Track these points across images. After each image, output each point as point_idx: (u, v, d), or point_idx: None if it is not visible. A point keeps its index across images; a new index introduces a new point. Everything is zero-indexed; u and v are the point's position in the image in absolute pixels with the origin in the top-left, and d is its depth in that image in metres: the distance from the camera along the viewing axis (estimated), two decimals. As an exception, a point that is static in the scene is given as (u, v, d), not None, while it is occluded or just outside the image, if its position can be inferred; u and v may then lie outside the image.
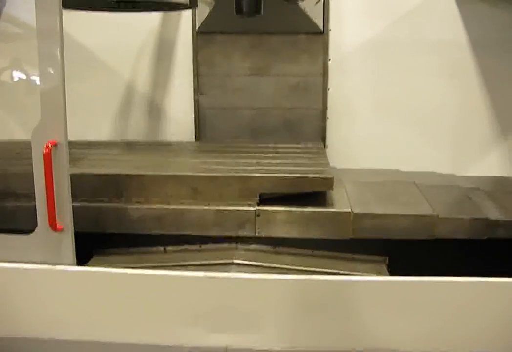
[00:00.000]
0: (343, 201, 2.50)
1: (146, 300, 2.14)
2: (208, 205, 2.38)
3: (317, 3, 2.93)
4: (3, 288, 2.17)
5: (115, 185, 2.42)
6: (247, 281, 2.14)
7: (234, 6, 2.82)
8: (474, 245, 2.39)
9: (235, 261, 2.35)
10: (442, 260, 2.40)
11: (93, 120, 3.58)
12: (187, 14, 3.45)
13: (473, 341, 2.10)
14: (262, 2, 2.80)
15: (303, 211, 2.36)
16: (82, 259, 2.26)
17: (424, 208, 2.46)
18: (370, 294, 2.11)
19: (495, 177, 3.29)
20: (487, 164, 3.54)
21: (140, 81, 3.58)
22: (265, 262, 2.35)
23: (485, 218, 2.38)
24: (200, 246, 2.45)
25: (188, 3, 2.65)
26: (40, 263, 2.14)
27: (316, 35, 3.41)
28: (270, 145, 3.17)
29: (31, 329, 2.17)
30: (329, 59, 3.46)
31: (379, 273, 2.34)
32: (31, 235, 2.13)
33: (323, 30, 3.40)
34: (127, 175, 2.45)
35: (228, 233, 2.40)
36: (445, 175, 3.20)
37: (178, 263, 2.34)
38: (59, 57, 1.96)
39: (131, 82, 3.58)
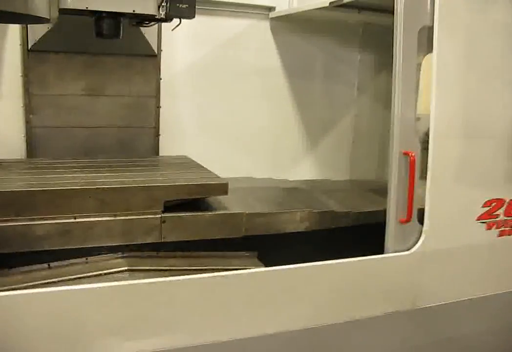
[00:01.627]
0: (231, 204, 2.82)
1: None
2: (115, 216, 2.47)
3: (173, 29, 3.06)
4: None
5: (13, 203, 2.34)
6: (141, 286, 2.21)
7: (94, 28, 2.85)
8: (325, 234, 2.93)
9: (121, 269, 2.49)
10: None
11: None
12: (14, 31, 3.35)
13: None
14: (121, 25, 2.88)
15: (204, 215, 2.62)
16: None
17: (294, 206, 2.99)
18: (245, 285, 2.41)
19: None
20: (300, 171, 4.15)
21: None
22: (151, 266, 2.55)
23: (332, 210, 2.98)
24: (86, 259, 2.51)
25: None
26: None
27: (151, 57, 3.55)
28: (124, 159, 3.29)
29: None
30: (161, 79, 3.66)
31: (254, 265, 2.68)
32: None
33: (157, 52, 3.58)
34: (28, 191, 2.38)
35: (136, 241, 2.53)
36: (280, 180, 3.81)
37: (64, 278, 2.38)
38: None
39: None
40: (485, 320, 2.89)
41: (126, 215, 2.49)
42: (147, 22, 3.04)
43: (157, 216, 2.53)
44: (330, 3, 3.01)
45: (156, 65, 3.60)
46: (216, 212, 2.68)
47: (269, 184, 3.73)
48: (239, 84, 3.87)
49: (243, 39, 3.82)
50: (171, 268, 2.57)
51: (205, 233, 2.63)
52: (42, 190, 2.41)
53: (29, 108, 3.42)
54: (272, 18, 3.82)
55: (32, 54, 3.34)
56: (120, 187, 2.54)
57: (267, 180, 3.85)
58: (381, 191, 3.48)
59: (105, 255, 2.55)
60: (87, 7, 2.63)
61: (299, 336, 2.42)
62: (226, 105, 3.88)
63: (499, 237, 2.77)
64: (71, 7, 2.60)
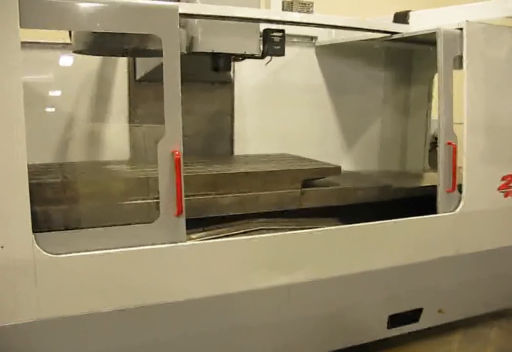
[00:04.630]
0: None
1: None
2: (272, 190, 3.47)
3: (266, 64, 3.99)
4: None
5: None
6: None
7: (211, 64, 3.72)
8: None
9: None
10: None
11: None
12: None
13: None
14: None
15: (327, 189, 3.72)
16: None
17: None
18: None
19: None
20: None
21: None
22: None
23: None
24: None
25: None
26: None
27: (227, 83, 4.40)
28: None
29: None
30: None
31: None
32: None
33: (231, 79, 4.47)
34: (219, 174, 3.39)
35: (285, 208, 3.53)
36: None
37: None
38: None
39: None
40: (504, 265, 4.00)
41: (279, 189, 3.51)
42: (241, 58, 3.84)
43: (298, 190, 3.56)
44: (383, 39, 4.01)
45: (231, 89, 4.48)
46: (337, 187, 3.75)
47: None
48: (292, 99, 4.85)
49: (294, 63, 4.82)
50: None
51: (329, 201, 3.68)
52: (229, 173, 3.45)
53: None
54: (317, 46, 4.86)
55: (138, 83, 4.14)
56: (276, 170, 3.58)
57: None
58: (413, 175, 4.60)
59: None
60: (213, 50, 3.51)
61: (387, 273, 3.51)
62: (281, 116, 4.76)
63: (514, 203, 3.86)
64: (201, 50, 3.48)
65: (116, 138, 4.23)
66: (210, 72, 3.84)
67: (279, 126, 4.79)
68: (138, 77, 4.15)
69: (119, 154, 4.17)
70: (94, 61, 4.01)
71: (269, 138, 4.77)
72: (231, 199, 3.36)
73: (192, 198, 3.18)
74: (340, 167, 3.78)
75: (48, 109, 4.08)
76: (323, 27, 4.22)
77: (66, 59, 3.94)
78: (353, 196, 3.78)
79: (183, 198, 2.84)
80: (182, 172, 2.83)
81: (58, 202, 2.90)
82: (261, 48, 3.75)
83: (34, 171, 2.98)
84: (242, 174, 3.50)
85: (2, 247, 2.50)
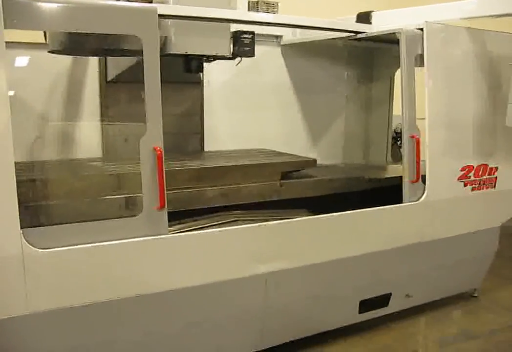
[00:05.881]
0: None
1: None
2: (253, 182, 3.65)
3: (236, 64, 4.08)
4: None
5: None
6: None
7: (184, 66, 3.82)
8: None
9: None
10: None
11: None
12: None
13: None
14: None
15: (304, 181, 3.96)
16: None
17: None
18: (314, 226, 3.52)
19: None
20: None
21: None
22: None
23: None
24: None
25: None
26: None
27: (197, 84, 4.51)
28: None
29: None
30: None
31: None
32: None
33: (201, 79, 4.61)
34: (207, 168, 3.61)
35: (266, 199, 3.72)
36: None
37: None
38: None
39: None
40: (465, 251, 4.26)
41: (260, 182, 3.68)
42: (212, 59, 3.90)
43: (277, 182, 3.74)
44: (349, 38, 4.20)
45: (201, 89, 4.58)
46: (313, 179, 3.98)
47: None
48: (259, 97, 4.99)
49: (261, 62, 4.95)
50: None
51: (305, 192, 3.88)
52: (214, 167, 3.65)
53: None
54: (282, 45, 5.01)
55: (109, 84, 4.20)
56: (256, 164, 3.78)
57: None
58: (378, 168, 4.83)
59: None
60: (186, 52, 3.58)
61: (357, 260, 3.72)
62: (248, 115, 4.89)
63: (472, 191, 4.11)
64: (175, 52, 3.55)
65: (88, 137, 4.30)
66: (181, 72, 3.92)
67: (248, 123, 4.92)
68: (109, 78, 4.22)
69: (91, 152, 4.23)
70: (66, 61, 4.07)
71: (238, 135, 4.89)
72: (215, 191, 3.52)
73: (179, 191, 3.34)
74: (315, 160, 4.01)
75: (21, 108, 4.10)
76: (291, 27, 4.39)
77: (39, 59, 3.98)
78: (329, 186, 4.01)
79: (165, 192, 2.95)
80: (164, 167, 2.94)
81: (43, 198, 2.98)
82: (232, 49, 3.87)
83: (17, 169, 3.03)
84: (227, 168, 3.69)
85: (-9, 242, 2.57)
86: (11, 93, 4.01)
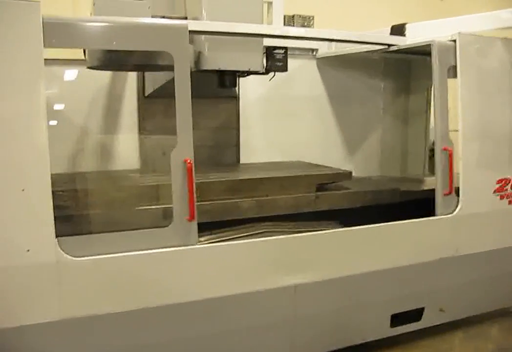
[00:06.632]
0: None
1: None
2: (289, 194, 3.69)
3: (270, 79, 4.12)
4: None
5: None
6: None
7: (218, 81, 3.85)
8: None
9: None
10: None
11: None
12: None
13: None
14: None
15: (338, 193, 3.96)
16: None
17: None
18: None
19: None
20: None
21: None
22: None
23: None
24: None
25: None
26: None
27: (233, 98, 4.59)
28: None
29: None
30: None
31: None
32: None
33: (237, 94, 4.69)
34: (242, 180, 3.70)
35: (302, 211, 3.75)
36: None
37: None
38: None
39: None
40: (501, 266, 4.16)
41: (295, 194, 3.73)
42: (246, 74, 3.93)
43: (312, 194, 3.78)
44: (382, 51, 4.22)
45: (236, 103, 4.65)
46: (348, 191, 3.99)
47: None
48: (295, 110, 5.02)
49: (296, 75, 5.01)
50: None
51: (339, 204, 3.89)
52: (249, 178, 3.74)
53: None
54: (318, 58, 5.05)
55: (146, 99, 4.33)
56: (291, 176, 3.84)
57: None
58: (414, 180, 4.79)
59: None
60: (219, 68, 3.66)
61: (389, 273, 3.70)
62: (284, 127, 4.94)
63: (509, 205, 4.03)
64: (208, 68, 3.63)
65: (126, 149, 4.43)
66: (215, 87, 3.98)
67: (283, 136, 4.96)
68: (147, 93, 4.35)
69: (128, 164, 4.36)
70: (106, 77, 4.23)
71: (273, 148, 4.94)
72: (250, 202, 3.59)
73: (214, 202, 3.45)
74: (351, 172, 4.03)
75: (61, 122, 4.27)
76: (325, 41, 4.42)
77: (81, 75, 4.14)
78: (363, 199, 4.01)
79: (195, 204, 3.02)
80: (194, 179, 3.01)
81: (80, 208, 3.10)
82: (265, 65, 3.91)
83: (55, 180, 3.17)
84: (262, 179, 3.77)
85: (28, 250, 2.69)
86: (56, 107, 4.31)
